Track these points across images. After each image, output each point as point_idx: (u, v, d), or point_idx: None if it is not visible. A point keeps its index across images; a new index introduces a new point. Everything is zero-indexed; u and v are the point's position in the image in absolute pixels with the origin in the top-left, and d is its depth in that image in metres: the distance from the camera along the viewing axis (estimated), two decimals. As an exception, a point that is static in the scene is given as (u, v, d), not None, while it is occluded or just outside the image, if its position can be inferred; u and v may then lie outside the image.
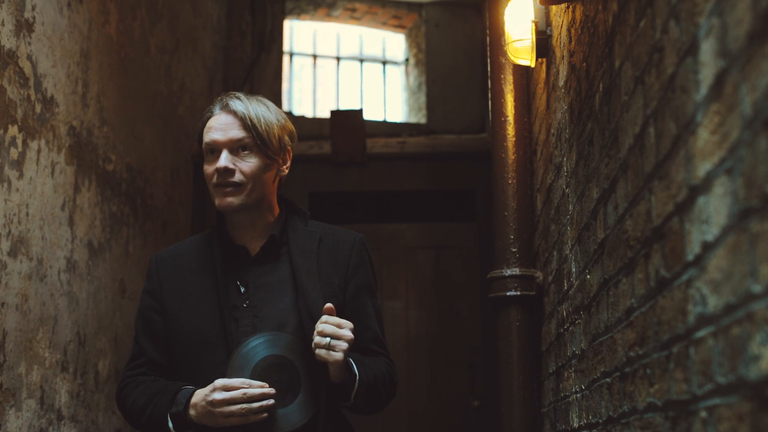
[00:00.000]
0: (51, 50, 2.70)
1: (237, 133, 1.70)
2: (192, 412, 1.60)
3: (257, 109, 1.73)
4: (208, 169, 1.71)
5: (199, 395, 1.60)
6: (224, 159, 1.68)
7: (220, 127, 1.71)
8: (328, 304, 1.59)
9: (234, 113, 1.71)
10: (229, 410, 1.55)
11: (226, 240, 1.76)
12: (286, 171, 1.79)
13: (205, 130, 1.74)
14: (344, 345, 1.55)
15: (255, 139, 1.70)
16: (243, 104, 1.73)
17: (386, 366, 1.74)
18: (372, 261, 1.82)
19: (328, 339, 1.55)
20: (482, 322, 4.68)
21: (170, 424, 1.62)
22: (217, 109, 1.75)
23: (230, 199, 1.69)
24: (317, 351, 1.55)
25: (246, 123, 1.70)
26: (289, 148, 1.78)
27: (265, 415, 1.57)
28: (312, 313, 1.63)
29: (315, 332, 1.57)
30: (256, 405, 1.56)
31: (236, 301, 1.69)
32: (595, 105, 1.70)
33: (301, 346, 1.63)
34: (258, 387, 1.57)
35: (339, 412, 1.74)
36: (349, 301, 1.73)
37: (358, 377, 1.61)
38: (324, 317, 1.58)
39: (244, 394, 1.56)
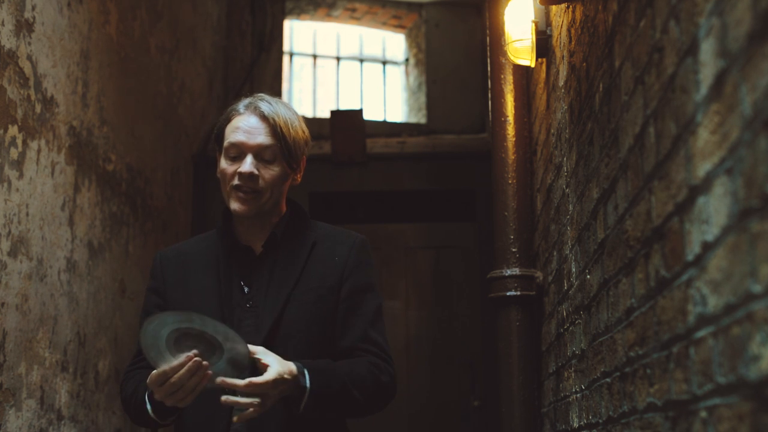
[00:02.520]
0: (51, 50, 2.69)
1: (265, 139, 1.67)
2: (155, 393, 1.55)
3: (285, 114, 1.71)
4: (229, 169, 1.68)
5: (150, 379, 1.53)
6: (249, 164, 1.66)
7: (249, 129, 1.68)
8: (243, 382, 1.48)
9: (264, 117, 1.68)
10: (176, 396, 1.49)
11: (232, 239, 1.76)
12: (299, 180, 1.79)
13: (228, 128, 1.71)
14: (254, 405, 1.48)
15: (282, 149, 1.68)
16: (272, 108, 1.70)
17: (366, 366, 1.66)
18: (372, 262, 1.80)
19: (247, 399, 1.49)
20: (482, 322, 4.68)
21: (148, 405, 1.61)
22: (243, 108, 1.72)
23: (248, 206, 1.67)
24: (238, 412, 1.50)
25: (276, 130, 1.67)
26: (304, 156, 1.78)
27: (209, 375, 1.49)
28: (258, 327, 1.63)
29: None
30: (191, 382, 1.48)
31: (240, 302, 1.69)
32: (595, 105, 1.70)
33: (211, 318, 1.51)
34: (180, 366, 1.47)
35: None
36: (343, 301, 1.71)
37: (308, 391, 1.54)
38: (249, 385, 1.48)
39: (173, 382, 1.47)
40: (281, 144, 1.67)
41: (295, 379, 1.53)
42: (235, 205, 1.68)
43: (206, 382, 1.50)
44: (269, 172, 1.68)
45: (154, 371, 1.50)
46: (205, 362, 1.48)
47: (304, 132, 1.75)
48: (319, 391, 1.56)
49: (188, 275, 1.75)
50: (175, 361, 1.47)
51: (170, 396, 1.50)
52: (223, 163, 1.70)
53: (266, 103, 1.71)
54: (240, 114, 1.71)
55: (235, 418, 1.51)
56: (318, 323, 1.68)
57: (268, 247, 1.74)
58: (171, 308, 1.71)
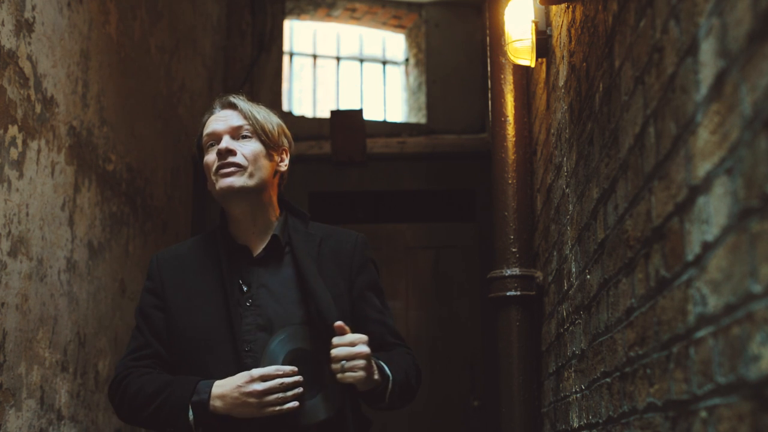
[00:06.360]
0: (51, 50, 2.69)
1: (237, 120, 1.75)
2: (218, 403, 1.57)
3: (256, 106, 1.81)
4: (210, 158, 1.74)
5: (229, 386, 1.57)
6: (225, 141, 1.72)
7: (221, 118, 1.77)
8: (338, 323, 1.58)
9: (234, 106, 1.78)
10: (267, 400, 1.56)
11: (229, 239, 1.76)
12: (285, 168, 1.81)
13: (205, 127, 1.79)
14: (361, 362, 1.55)
15: (255, 126, 1.75)
16: (242, 101, 1.80)
17: (410, 356, 1.78)
18: (374, 258, 1.85)
19: (342, 362, 1.55)
20: (482, 322, 4.68)
21: (191, 414, 1.58)
22: (217, 109, 1.81)
23: (231, 179, 1.70)
24: (338, 376, 1.56)
25: (246, 113, 1.76)
26: (285, 147, 1.82)
27: (297, 404, 1.58)
28: (326, 319, 1.63)
29: (331, 358, 1.57)
30: (290, 393, 1.57)
31: (239, 300, 1.69)
32: (595, 105, 1.70)
33: (320, 339, 1.63)
34: (291, 373, 1.58)
35: (359, 406, 1.76)
36: (357, 300, 1.74)
37: (391, 379, 1.63)
38: (335, 340, 1.57)
39: (282, 383, 1.57)
40: (253, 122, 1.75)
41: (380, 367, 1.62)
42: (220, 184, 1.71)
43: (290, 401, 1.58)
44: (247, 147, 1.73)
45: (256, 370, 1.57)
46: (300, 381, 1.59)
47: (277, 121, 1.81)
48: (398, 380, 1.65)
49: (187, 276, 1.75)
50: (286, 368, 1.58)
51: (262, 396, 1.55)
52: (206, 157, 1.77)
53: (235, 98, 1.80)
54: (214, 114, 1.80)
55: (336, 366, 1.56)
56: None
57: (270, 250, 1.75)
58: (172, 310, 1.72)
